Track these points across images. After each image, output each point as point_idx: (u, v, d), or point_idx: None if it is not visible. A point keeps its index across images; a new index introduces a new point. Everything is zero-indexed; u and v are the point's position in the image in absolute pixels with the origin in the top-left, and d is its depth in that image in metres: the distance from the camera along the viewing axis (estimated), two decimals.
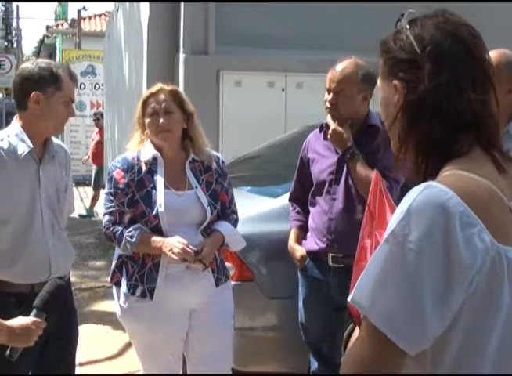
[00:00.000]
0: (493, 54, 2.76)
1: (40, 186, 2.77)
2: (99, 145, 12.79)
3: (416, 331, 1.15)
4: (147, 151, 3.12)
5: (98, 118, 13.18)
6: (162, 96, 3.10)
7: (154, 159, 3.11)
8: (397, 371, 1.18)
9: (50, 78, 2.72)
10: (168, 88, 3.15)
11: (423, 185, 1.20)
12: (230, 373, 3.31)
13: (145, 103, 3.12)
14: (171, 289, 3.05)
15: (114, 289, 3.20)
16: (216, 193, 3.16)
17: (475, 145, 1.28)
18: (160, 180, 3.07)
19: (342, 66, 3.24)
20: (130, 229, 3.03)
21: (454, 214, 1.15)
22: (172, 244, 2.95)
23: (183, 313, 3.14)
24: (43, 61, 2.82)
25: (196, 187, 3.11)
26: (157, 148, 3.13)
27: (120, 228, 3.06)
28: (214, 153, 3.29)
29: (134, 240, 3.00)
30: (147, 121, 3.10)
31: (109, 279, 3.25)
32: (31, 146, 2.74)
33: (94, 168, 12.81)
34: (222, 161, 3.29)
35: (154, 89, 3.13)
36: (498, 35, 2.43)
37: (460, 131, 1.27)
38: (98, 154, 12.75)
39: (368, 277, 1.20)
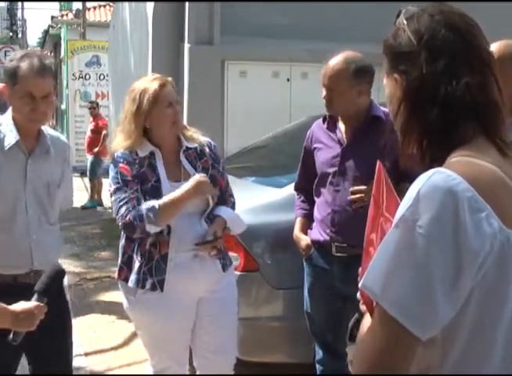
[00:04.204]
0: (498, 45, 2.75)
1: (26, 178, 2.74)
2: (94, 134, 12.39)
3: (427, 316, 1.16)
4: (145, 146, 3.09)
5: (94, 107, 12.89)
6: (170, 88, 3.10)
7: (151, 153, 3.09)
8: (410, 359, 1.18)
9: (9, 72, 2.70)
10: (169, 79, 3.14)
11: (431, 171, 1.21)
12: (235, 361, 3.32)
13: (157, 97, 3.03)
14: (180, 279, 3.05)
15: (121, 283, 3.16)
16: (214, 178, 3.16)
17: (479, 132, 1.29)
18: (162, 174, 3.05)
19: (333, 62, 3.21)
20: (146, 203, 2.96)
21: (462, 199, 1.15)
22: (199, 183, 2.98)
23: (193, 302, 3.15)
24: (17, 52, 2.81)
25: (194, 175, 3.11)
26: (156, 143, 3.10)
27: (137, 209, 2.96)
28: (205, 138, 3.27)
29: (155, 205, 2.92)
30: (162, 112, 3.03)
31: (116, 275, 3.20)
32: (18, 137, 2.72)
33: (89, 157, 12.46)
34: (214, 146, 3.29)
35: (161, 82, 3.06)
36: (495, 33, 2.46)
37: (463, 119, 1.28)
38: (92, 144, 12.35)
39: (379, 263, 1.20)
